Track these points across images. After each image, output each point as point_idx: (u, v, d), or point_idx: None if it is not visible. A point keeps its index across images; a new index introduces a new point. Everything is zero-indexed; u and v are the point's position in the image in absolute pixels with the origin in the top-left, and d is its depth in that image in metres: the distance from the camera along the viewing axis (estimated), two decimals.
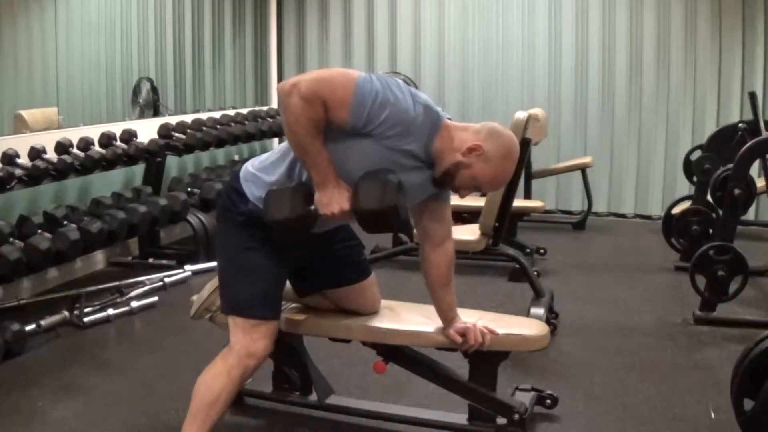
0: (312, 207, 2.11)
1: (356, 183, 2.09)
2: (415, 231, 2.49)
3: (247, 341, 2.24)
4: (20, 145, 4.04)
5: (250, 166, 2.30)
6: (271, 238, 2.24)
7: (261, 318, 2.26)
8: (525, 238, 5.10)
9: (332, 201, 2.09)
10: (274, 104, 7.31)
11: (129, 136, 4.76)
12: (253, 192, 2.23)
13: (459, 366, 2.57)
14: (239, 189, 2.26)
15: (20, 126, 4.60)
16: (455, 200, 2.40)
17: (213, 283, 2.54)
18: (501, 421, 2.53)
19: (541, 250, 5.21)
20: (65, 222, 3.91)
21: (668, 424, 2.76)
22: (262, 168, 2.27)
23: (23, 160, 4.00)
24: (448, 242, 2.39)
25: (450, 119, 2.22)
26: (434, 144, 2.14)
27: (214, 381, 2.25)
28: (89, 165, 4.32)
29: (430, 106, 2.12)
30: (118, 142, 4.66)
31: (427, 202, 2.32)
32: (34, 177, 3.97)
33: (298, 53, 7.47)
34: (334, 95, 2.01)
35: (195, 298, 2.67)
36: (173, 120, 5.42)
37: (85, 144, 4.39)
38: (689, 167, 5.48)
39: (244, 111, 6.34)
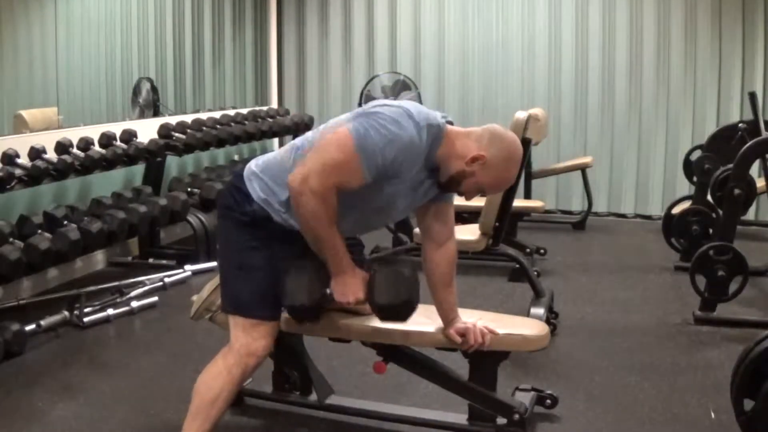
0: (328, 291, 2.20)
1: (372, 275, 2.18)
2: (416, 231, 2.51)
3: (247, 340, 2.25)
4: (20, 145, 4.04)
5: (254, 167, 2.30)
6: (273, 238, 2.25)
7: (262, 317, 2.27)
8: (525, 238, 5.09)
9: (347, 291, 2.18)
10: (274, 104, 7.32)
11: (129, 136, 4.76)
12: (258, 194, 2.24)
13: (459, 366, 2.57)
14: (243, 189, 2.27)
15: (20, 126, 4.61)
16: (456, 200, 2.41)
17: (213, 282, 2.54)
18: (501, 421, 2.53)
19: (541, 250, 5.21)
20: (65, 222, 3.91)
21: (668, 424, 2.76)
22: (268, 171, 2.26)
23: (23, 160, 3.99)
24: (450, 242, 2.40)
25: (451, 122, 2.23)
26: (437, 153, 2.16)
27: (214, 380, 2.25)
28: (89, 165, 4.31)
29: (431, 123, 2.12)
30: (118, 142, 4.66)
31: (430, 203, 2.33)
32: (34, 177, 3.96)
33: (298, 53, 7.47)
34: (344, 174, 2.05)
35: (195, 298, 2.67)
36: (173, 120, 5.42)
37: (85, 144, 4.39)
38: (689, 167, 5.48)
39: (244, 111, 6.34)
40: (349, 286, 2.17)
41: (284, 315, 2.51)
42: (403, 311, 2.20)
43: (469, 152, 2.14)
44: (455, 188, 2.23)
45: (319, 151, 2.08)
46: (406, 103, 2.17)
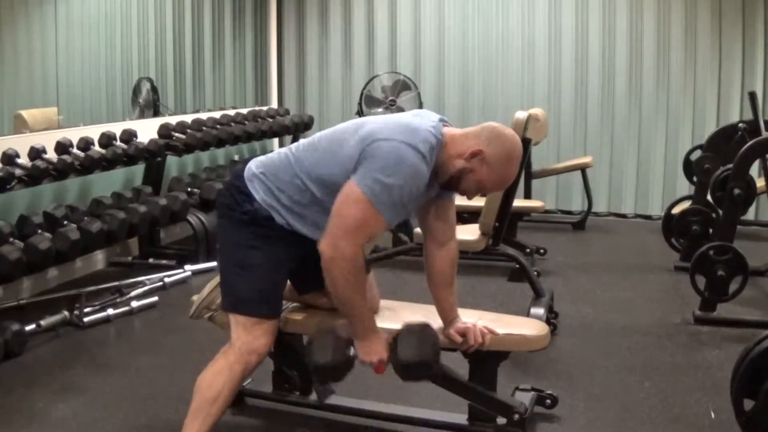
0: (352, 352, 2.26)
1: (396, 335, 2.25)
2: (417, 231, 2.52)
3: (248, 338, 2.26)
4: (20, 145, 4.04)
5: (254, 168, 2.30)
6: (273, 237, 2.25)
7: (262, 315, 2.28)
8: (525, 238, 5.09)
9: (371, 352, 2.24)
10: (274, 104, 7.32)
11: (129, 136, 4.76)
12: (261, 195, 2.25)
13: (459, 366, 2.57)
14: (243, 189, 2.27)
15: (20, 126, 4.61)
16: (456, 200, 2.40)
17: (213, 282, 2.55)
18: (501, 421, 2.53)
19: (541, 250, 5.21)
20: (65, 222, 3.91)
21: (668, 424, 2.76)
22: (267, 173, 2.27)
23: (23, 160, 4.00)
24: (451, 242, 2.40)
25: (447, 122, 2.23)
26: (438, 160, 2.17)
27: (215, 378, 2.26)
28: (89, 165, 4.31)
29: (431, 142, 2.12)
30: (118, 142, 4.66)
31: (431, 202, 2.33)
32: (34, 177, 3.97)
33: (298, 53, 7.47)
34: (369, 229, 2.11)
35: (195, 297, 2.66)
36: (173, 120, 5.42)
37: (85, 144, 4.39)
38: (689, 167, 5.48)
39: (244, 111, 6.34)
40: (373, 348, 2.25)
41: (284, 315, 2.51)
42: (424, 369, 2.28)
43: (467, 149, 2.15)
44: (456, 186, 2.22)
45: (340, 216, 2.11)
46: (402, 119, 2.17)
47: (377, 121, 2.19)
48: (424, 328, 2.27)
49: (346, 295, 2.16)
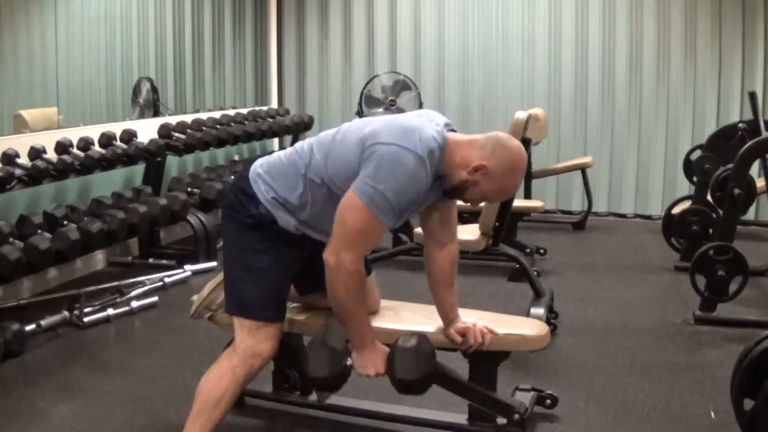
0: (349, 363, 2.27)
1: (392, 349, 2.24)
2: (417, 231, 2.52)
3: (252, 342, 2.25)
4: (20, 145, 4.05)
5: (259, 168, 2.29)
6: (278, 240, 2.25)
7: (267, 319, 2.27)
8: (525, 238, 5.09)
9: (368, 363, 2.26)
10: (274, 104, 7.32)
11: (129, 136, 4.76)
12: (265, 195, 2.24)
13: (459, 366, 2.57)
14: (248, 191, 2.26)
15: (20, 126, 4.61)
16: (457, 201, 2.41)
17: (213, 281, 2.54)
18: (501, 421, 2.53)
19: (541, 250, 5.21)
20: (65, 222, 3.91)
21: (668, 424, 2.76)
22: (273, 173, 2.26)
23: (23, 160, 4.00)
24: (452, 243, 2.40)
25: (453, 128, 2.23)
26: (443, 165, 2.16)
27: (219, 381, 2.25)
28: (89, 165, 4.32)
29: (431, 149, 2.10)
30: (118, 142, 4.66)
31: (433, 204, 2.33)
32: (34, 177, 3.97)
33: (298, 53, 7.47)
34: (371, 237, 2.14)
35: (195, 297, 2.66)
36: (173, 120, 5.42)
37: (85, 144, 4.39)
38: (689, 167, 5.48)
39: (244, 111, 6.34)
40: (370, 360, 2.25)
41: (287, 316, 2.51)
42: (422, 386, 2.27)
43: (471, 162, 2.14)
44: (459, 196, 2.24)
45: (341, 225, 2.12)
46: (405, 121, 2.16)
47: (380, 122, 2.18)
48: (420, 342, 2.25)
49: (346, 304, 2.17)
